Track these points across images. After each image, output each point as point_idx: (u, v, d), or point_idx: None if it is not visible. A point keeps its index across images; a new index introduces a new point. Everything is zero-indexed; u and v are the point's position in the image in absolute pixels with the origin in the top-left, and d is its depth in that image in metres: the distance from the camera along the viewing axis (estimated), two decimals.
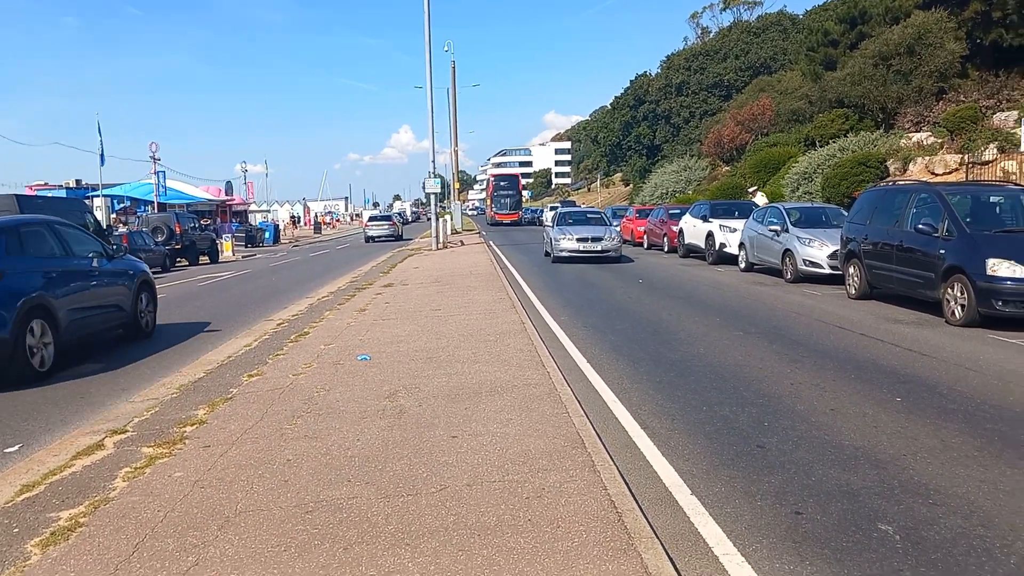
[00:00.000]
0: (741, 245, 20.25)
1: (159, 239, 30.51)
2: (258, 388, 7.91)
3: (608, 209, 36.28)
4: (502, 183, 67.34)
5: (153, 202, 42.00)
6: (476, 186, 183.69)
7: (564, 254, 23.13)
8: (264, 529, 4.41)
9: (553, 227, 24.90)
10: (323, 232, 73.45)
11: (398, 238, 48.08)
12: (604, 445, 5.81)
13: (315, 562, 3.98)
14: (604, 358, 9.36)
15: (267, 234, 51.91)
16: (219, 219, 53.36)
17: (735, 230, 21.32)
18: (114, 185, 47.48)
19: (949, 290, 11.11)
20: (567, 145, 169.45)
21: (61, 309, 9.71)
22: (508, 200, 65.25)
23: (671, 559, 4.00)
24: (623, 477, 5.14)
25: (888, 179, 25.71)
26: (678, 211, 27.97)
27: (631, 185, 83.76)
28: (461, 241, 38.48)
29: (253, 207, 71.11)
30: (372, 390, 7.60)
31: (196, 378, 8.59)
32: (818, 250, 16.35)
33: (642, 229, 31.29)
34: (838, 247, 15.24)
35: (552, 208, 54.07)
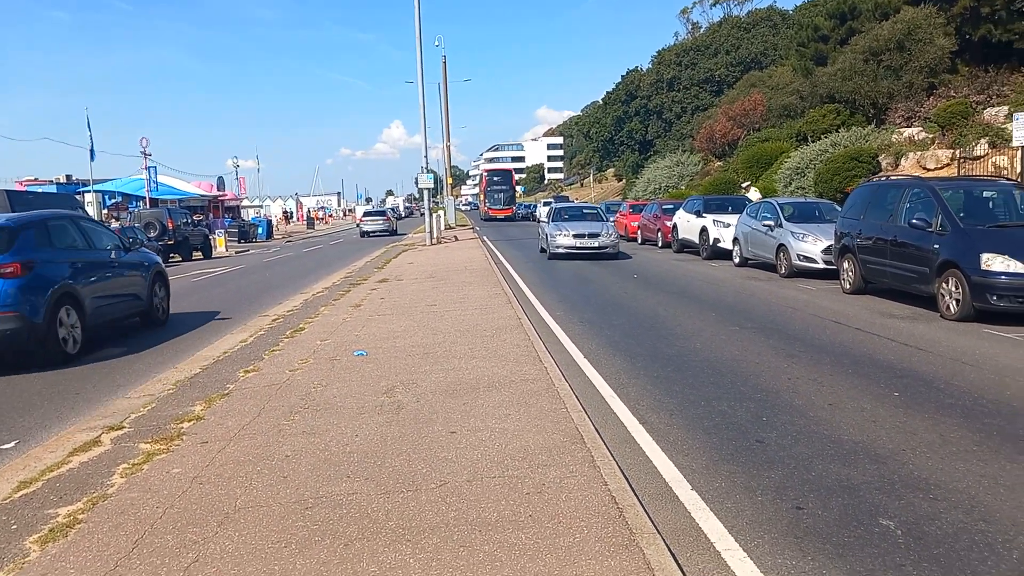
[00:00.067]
0: (735, 240, 20.27)
1: (151, 235, 30.30)
2: (255, 384, 7.88)
3: (601, 204, 36.22)
4: (495, 178, 67.16)
5: (145, 198, 41.79)
6: (469, 181, 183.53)
7: (561, 251, 22.93)
8: (264, 525, 4.39)
9: (549, 223, 24.66)
10: (316, 227, 73.27)
11: (392, 233, 48.25)
12: (603, 440, 5.80)
13: (315, 558, 3.97)
14: (601, 353, 9.35)
15: (260, 230, 51.71)
16: (211, 215, 53.10)
17: (729, 225, 21.34)
18: (105, 180, 47.17)
19: (943, 285, 11.14)
20: (559, 140, 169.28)
21: (87, 297, 10.47)
22: (502, 195, 65.10)
23: (673, 555, 4.00)
24: (623, 472, 5.14)
25: (881, 174, 25.75)
26: (672, 206, 27.94)
27: (624, 180, 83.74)
28: (455, 237, 38.43)
29: (245, 203, 70.76)
30: (369, 386, 7.58)
31: (192, 374, 8.56)
32: (812, 245, 16.37)
33: (636, 225, 31.26)
34: (832, 242, 15.26)
35: (546, 204, 54.01)
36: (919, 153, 27.72)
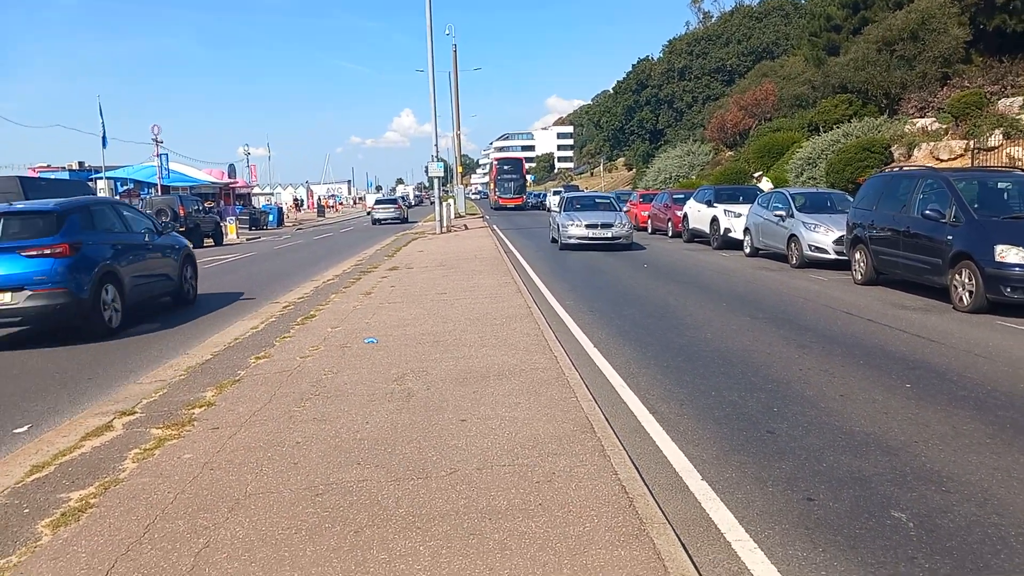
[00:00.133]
0: (746, 230, 20.17)
1: (163, 221, 30.35)
2: (266, 370, 7.90)
3: (612, 194, 36.09)
4: (506, 167, 66.95)
5: (156, 184, 41.87)
6: (479, 170, 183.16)
7: (573, 241, 22.40)
8: (274, 512, 4.40)
9: (560, 213, 24.13)
10: (326, 215, 73.34)
11: (404, 220, 48.54)
12: (613, 430, 5.79)
13: (326, 545, 3.97)
14: (611, 343, 9.34)
15: (271, 217, 51.75)
16: (223, 202, 53.16)
17: (740, 215, 21.24)
18: (117, 167, 47.26)
19: (957, 276, 11.06)
20: (569, 129, 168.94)
21: (126, 276, 11.34)
22: (512, 184, 64.84)
23: (683, 545, 3.98)
24: (633, 462, 5.12)
25: (894, 165, 25.57)
26: (682, 196, 27.84)
27: (634, 170, 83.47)
28: (465, 225, 38.40)
29: (256, 190, 70.90)
30: (380, 373, 7.59)
31: (204, 360, 8.58)
32: (824, 235, 16.28)
33: (646, 214, 31.20)
34: (844, 232, 15.18)
35: (556, 192, 53.83)
36: (932, 144, 27.52)
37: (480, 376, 7.34)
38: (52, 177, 36.94)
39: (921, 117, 31.09)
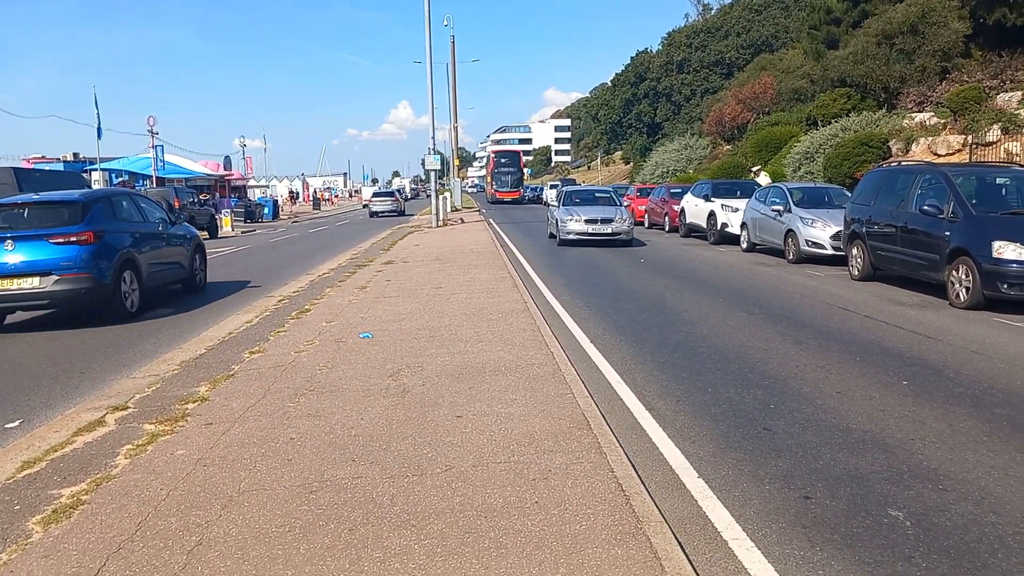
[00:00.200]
0: (743, 225, 20.15)
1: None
2: (260, 365, 7.85)
3: (609, 188, 36.04)
4: (503, 160, 66.76)
5: (151, 176, 41.76)
6: (476, 163, 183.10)
7: (572, 236, 21.83)
8: (268, 509, 4.37)
9: (559, 207, 23.54)
10: (322, 208, 73.20)
11: (401, 213, 48.80)
12: (610, 427, 5.76)
13: (320, 543, 3.94)
14: (608, 338, 9.31)
15: (266, 210, 51.67)
16: (218, 194, 53.10)
17: (737, 210, 21.20)
18: (112, 159, 47.16)
19: (954, 272, 11.04)
20: (567, 122, 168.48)
21: (144, 263, 11.98)
22: (509, 177, 64.69)
23: (680, 543, 3.96)
24: (629, 459, 5.10)
25: (892, 159, 25.55)
26: (679, 190, 27.81)
27: (631, 163, 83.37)
28: (461, 219, 38.33)
29: (252, 182, 70.76)
30: (375, 368, 7.55)
31: (197, 354, 8.54)
32: (821, 231, 16.26)
33: (643, 208, 31.19)
34: (841, 228, 15.16)
35: (553, 186, 53.72)
36: (930, 139, 27.49)
37: (476, 372, 7.31)
38: (47, 168, 36.80)
39: (919, 112, 31.05)
